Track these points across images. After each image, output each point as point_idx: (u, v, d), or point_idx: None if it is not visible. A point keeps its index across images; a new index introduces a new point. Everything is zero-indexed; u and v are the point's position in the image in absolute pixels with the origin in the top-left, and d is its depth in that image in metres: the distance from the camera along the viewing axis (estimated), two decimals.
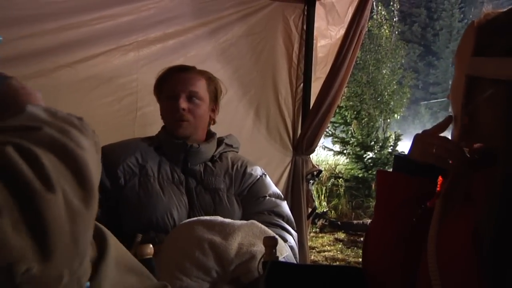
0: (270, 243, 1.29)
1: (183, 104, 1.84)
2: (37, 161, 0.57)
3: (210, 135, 2.00)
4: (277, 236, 1.39)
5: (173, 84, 1.88)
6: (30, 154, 0.58)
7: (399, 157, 1.15)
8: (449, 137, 1.07)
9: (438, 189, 1.10)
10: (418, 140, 1.10)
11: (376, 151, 9.00)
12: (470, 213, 0.92)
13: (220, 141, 2.01)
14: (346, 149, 9.20)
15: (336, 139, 9.31)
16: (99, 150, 0.71)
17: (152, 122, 2.10)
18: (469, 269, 0.87)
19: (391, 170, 1.16)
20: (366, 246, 1.18)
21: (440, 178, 1.10)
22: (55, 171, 0.58)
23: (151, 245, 1.30)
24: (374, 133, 9.38)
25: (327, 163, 9.79)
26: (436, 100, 25.36)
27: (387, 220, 1.11)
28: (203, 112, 1.90)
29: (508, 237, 0.83)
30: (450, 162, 1.05)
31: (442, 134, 1.10)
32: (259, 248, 1.41)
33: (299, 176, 2.94)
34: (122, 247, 0.93)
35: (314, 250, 5.58)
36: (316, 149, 3.13)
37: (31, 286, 0.53)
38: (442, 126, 1.11)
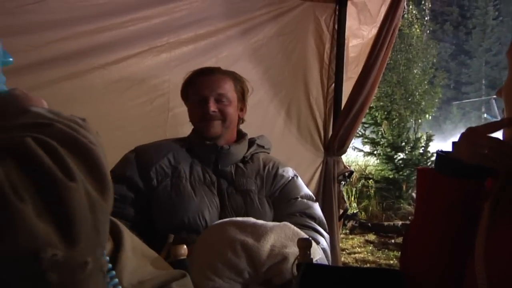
0: (304, 245, 1.27)
1: (213, 106, 1.84)
2: (57, 152, 0.59)
3: (240, 135, 1.99)
4: (310, 238, 1.37)
5: (200, 88, 1.87)
6: (49, 145, 0.59)
7: (443, 156, 1.02)
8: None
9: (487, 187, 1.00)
10: (466, 139, 0.98)
11: (407, 152, 8.88)
12: None
13: (251, 142, 2.00)
14: (377, 150, 9.11)
15: (366, 140, 9.23)
16: (103, 151, 0.71)
17: (183, 122, 2.11)
18: None
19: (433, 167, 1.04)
20: (406, 246, 1.12)
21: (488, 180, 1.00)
22: (72, 163, 0.59)
23: (185, 246, 1.29)
24: (405, 133, 9.26)
25: (357, 164, 9.72)
26: (468, 100, 24.78)
27: (429, 223, 1.04)
28: (232, 111, 1.90)
29: None
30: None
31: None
32: (292, 250, 1.40)
33: (331, 177, 2.92)
34: (135, 236, 0.94)
35: (344, 252, 5.55)
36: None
37: (57, 272, 0.54)
38: (496, 127, 0.98)
